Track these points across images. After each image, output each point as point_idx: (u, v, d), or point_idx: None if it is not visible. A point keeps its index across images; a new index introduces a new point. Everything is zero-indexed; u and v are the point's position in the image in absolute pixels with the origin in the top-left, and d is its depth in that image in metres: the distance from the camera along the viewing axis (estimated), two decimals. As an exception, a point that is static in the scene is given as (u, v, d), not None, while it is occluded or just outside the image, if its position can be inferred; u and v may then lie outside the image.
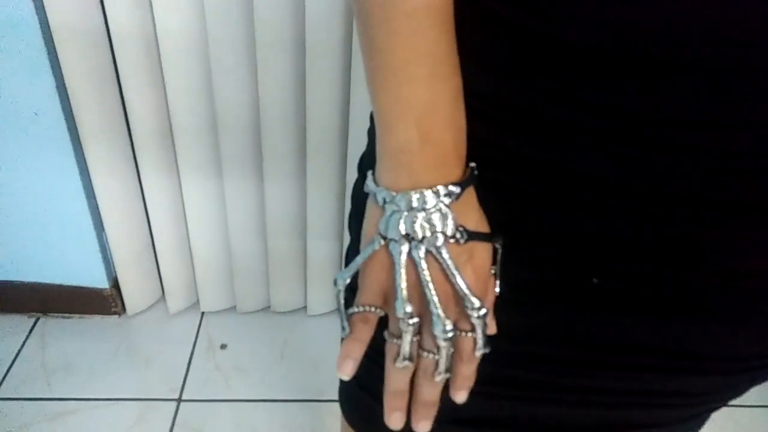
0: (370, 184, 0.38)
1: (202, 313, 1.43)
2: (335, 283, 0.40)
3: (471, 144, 0.37)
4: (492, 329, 0.39)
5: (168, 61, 1.05)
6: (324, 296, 1.40)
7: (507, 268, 0.39)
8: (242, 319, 1.43)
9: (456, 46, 0.35)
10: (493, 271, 0.39)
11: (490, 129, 0.38)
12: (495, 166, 0.39)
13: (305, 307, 1.43)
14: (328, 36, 1.01)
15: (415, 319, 0.36)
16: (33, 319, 1.40)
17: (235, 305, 1.43)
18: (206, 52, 1.04)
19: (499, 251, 0.38)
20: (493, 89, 0.37)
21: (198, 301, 1.42)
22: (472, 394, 0.40)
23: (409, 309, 0.36)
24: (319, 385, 1.30)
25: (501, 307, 0.40)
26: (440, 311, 0.36)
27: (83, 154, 1.17)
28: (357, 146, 1.12)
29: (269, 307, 1.43)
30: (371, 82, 0.36)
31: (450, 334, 0.36)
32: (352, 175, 1.17)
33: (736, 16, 0.30)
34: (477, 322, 0.36)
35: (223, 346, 1.37)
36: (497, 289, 0.39)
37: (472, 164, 0.37)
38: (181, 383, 1.28)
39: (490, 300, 0.39)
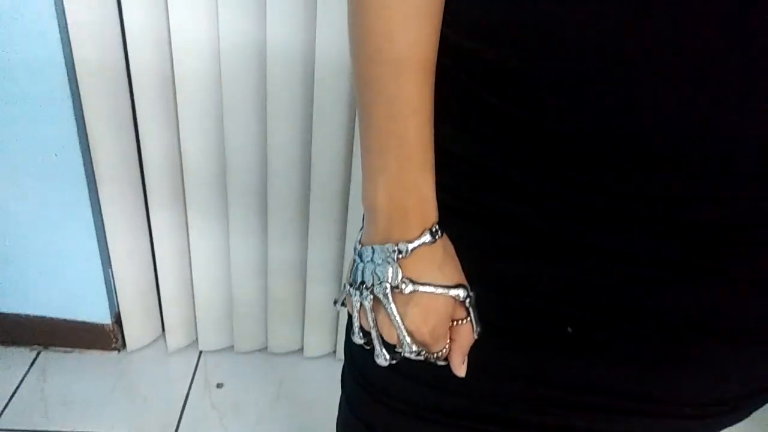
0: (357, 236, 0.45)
1: (200, 352, 1.46)
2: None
3: (443, 196, 0.43)
4: (459, 372, 0.45)
5: (183, 105, 1.12)
6: (321, 339, 1.43)
7: (485, 313, 0.44)
8: (239, 359, 1.45)
9: (432, 128, 0.42)
10: (469, 318, 0.44)
11: (462, 184, 0.44)
12: (470, 219, 0.44)
13: (302, 349, 1.46)
14: (335, 91, 1.08)
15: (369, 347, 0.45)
16: (35, 353, 1.43)
17: (233, 345, 1.46)
18: (220, 100, 1.11)
19: (471, 299, 0.43)
20: (464, 151, 0.44)
21: (197, 339, 1.45)
22: (454, 428, 0.44)
23: (359, 341, 0.46)
24: (313, 426, 1.32)
25: (482, 347, 0.45)
26: (404, 341, 0.43)
27: (97, 192, 1.23)
28: (358, 194, 1.17)
29: (266, 347, 1.46)
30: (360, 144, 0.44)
31: (413, 356, 0.43)
32: (353, 222, 1.22)
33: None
34: (415, 358, 0.43)
35: (220, 385, 1.39)
36: (475, 335, 0.45)
37: (435, 227, 0.43)
38: (177, 421, 1.30)
39: (443, 343, 0.45)
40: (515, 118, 0.41)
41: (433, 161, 0.43)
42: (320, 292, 1.34)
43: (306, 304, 1.36)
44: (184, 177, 1.21)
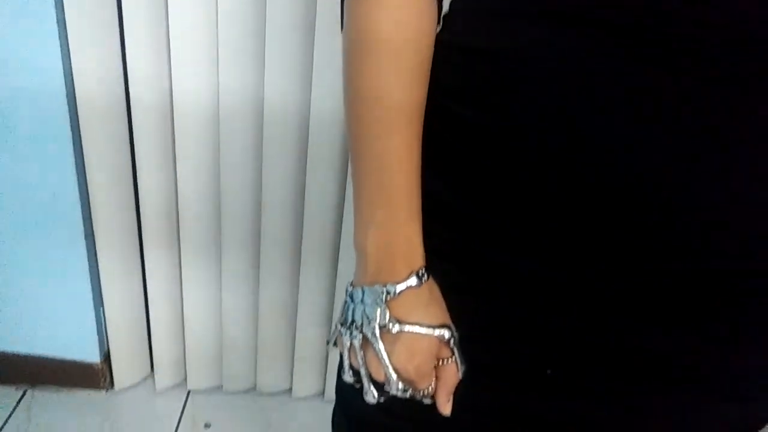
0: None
1: (189, 391, 1.47)
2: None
3: (430, 240, 0.47)
4: (444, 410, 0.48)
5: (181, 153, 1.16)
6: (310, 379, 1.44)
7: (470, 353, 0.48)
8: (228, 399, 1.46)
9: (418, 179, 0.46)
10: (453, 357, 0.47)
11: (447, 230, 0.48)
12: (455, 263, 0.48)
13: (290, 390, 1.47)
14: (328, 142, 1.13)
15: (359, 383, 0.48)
16: (21, 392, 1.42)
17: (222, 384, 1.47)
18: (217, 149, 1.16)
19: (455, 339, 0.47)
20: (449, 198, 0.48)
21: (185, 378, 1.46)
22: None
23: (349, 379, 0.49)
24: (299, 468, 1.32)
25: (467, 386, 0.48)
26: (391, 379, 0.46)
27: (93, 234, 1.25)
28: (349, 240, 1.21)
29: (255, 387, 1.47)
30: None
31: (400, 393, 0.46)
32: (344, 265, 1.26)
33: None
34: (402, 396, 0.46)
35: (207, 425, 1.39)
36: (460, 374, 0.48)
37: (421, 270, 0.46)
38: (164, 461, 1.30)
39: (428, 382, 0.48)
40: (490, 171, 0.45)
41: (420, 210, 0.47)
42: (310, 334, 1.37)
43: (295, 344, 1.38)
44: (180, 220, 1.24)
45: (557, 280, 0.46)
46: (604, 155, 0.40)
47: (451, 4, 0.51)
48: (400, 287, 0.45)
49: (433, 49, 0.47)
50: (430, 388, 0.48)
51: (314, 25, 1.03)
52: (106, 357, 1.41)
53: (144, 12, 1.05)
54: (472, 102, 0.46)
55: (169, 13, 1.03)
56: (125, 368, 1.43)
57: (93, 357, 1.40)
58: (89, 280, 1.30)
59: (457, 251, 0.48)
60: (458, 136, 0.47)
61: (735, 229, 0.41)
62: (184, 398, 1.45)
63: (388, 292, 0.45)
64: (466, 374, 0.49)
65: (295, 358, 1.41)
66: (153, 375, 1.46)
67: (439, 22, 0.50)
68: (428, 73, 0.47)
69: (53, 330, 1.37)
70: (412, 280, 0.46)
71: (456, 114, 0.47)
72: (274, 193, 1.19)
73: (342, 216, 1.22)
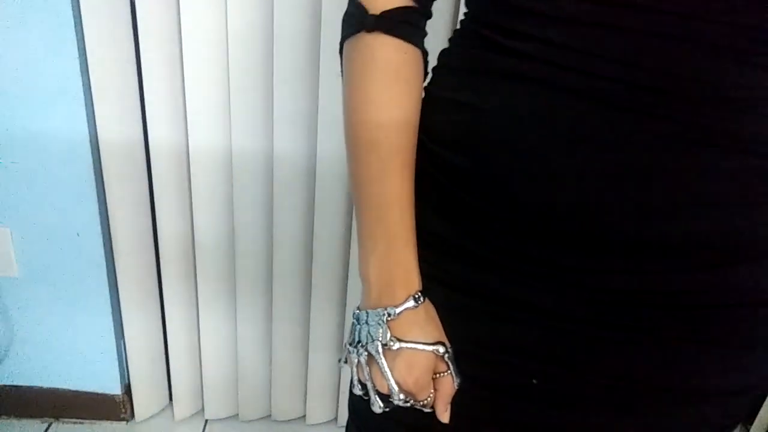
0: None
1: (206, 420, 1.51)
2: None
3: (425, 266, 0.53)
4: (443, 418, 0.53)
5: (197, 193, 1.24)
6: (323, 407, 1.49)
7: (464, 366, 0.53)
8: (244, 427, 1.50)
9: (412, 213, 0.53)
10: (449, 371, 0.53)
11: (440, 256, 0.55)
12: (447, 285, 0.54)
13: (304, 417, 1.51)
14: (334, 186, 1.21)
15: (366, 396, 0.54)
16: (46, 424, 1.48)
17: (238, 413, 1.51)
18: (231, 192, 1.23)
19: (449, 354, 0.52)
20: (440, 229, 0.55)
21: (203, 408, 1.51)
22: None
23: (358, 392, 0.54)
24: (314, 493, 1.35)
25: (463, 397, 0.53)
26: (393, 390, 0.52)
27: (114, 269, 1.32)
28: (356, 274, 1.27)
29: (270, 415, 1.52)
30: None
31: (402, 403, 0.52)
32: (352, 297, 1.32)
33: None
34: (404, 405, 0.52)
35: (225, 454, 1.43)
36: (456, 385, 0.53)
37: (417, 294, 0.52)
38: (183, 489, 1.34)
39: (427, 393, 0.53)
40: (473, 206, 0.52)
41: (415, 239, 0.53)
42: (322, 362, 1.42)
43: (308, 373, 1.43)
44: (196, 256, 1.31)
45: (533, 299, 0.51)
46: (557, 192, 0.47)
47: (438, 59, 0.58)
48: (399, 309, 0.51)
49: (421, 100, 0.54)
50: (429, 398, 0.54)
51: (318, 82, 1.11)
52: (127, 389, 1.47)
53: (162, 69, 1.14)
54: (452, 146, 0.52)
55: (184, 69, 1.12)
56: (145, 399, 1.48)
57: (114, 389, 1.46)
58: (111, 313, 1.37)
59: (447, 275, 0.54)
60: (443, 174, 0.53)
61: (657, 250, 0.47)
62: (202, 427, 1.50)
63: (389, 314, 0.51)
64: (461, 385, 0.54)
65: (308, 386, 1.45)
66: (172, 405, 1.51)
67: (427, 74, 0.57)
68: (417, 122, 0.54)
69: (76, 363, 1.43)
70: (410, 303, 0.52)
71: (440, 156, 0.53)
72: (284, 233, 1.26)
73: (348, 253, 1.29)
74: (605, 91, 0.44)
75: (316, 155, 1.18)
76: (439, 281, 0.54)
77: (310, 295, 1.34)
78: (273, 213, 1.24)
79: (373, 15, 0.52)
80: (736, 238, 0.47)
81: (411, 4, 0.53)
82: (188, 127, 1.17)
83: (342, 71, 0.55)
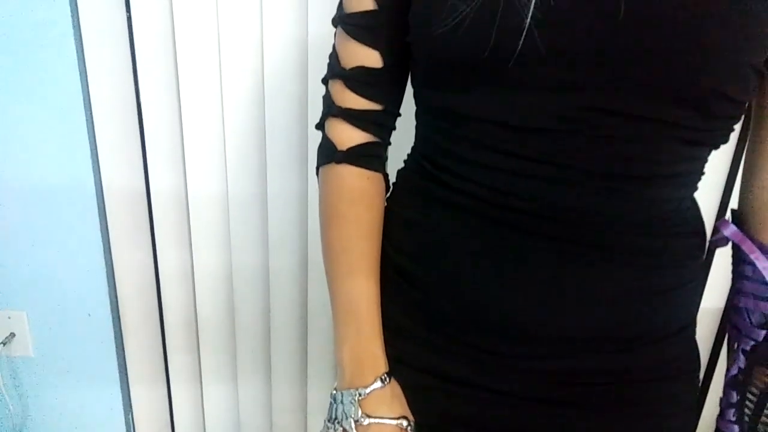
0: None
1: (210, 489, 1.57)
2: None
3: (390, 350, 0.63)
4: None
5: (199, 265, 1.35)
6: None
7: None
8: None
9: (378, 307, 0.64)
10: None
11: (401, 342, 0.64)
12: (408, 366, 0.64)
13: (305, 481, 1.57)
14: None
15: None
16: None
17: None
18: (229, 263, 1.34)
19: (411, 427, 0.62)
20: (402, 320, 0.65)
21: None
22: None
23: None
24: None
25: None
26: None
27: (123, 346, 1.42)
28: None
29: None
30: None
31: None
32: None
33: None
34: None
35: None
36: None
37: (384, 375, 0.62)
38: None
39: None
40: (424, 302, 0.62)
41: (381, 328, 0.63)
42: (319, 425, 1.49)
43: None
44: (199, 332, 1.41)
45: (472, 379, 0.61)
46: (481, 297, 0.58)
47: (396, 177, 0.71)
48: (368, 390, 0.61)
49: (383, 213, 0.66)
50: None
51: (307, 139, 1.24)
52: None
53: (163, 123, 1.24)
54: (405, 254, 0.64)
55: (183, 122, 1.22)
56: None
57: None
58: (119, 388, 1.45)
59: (409, 357, 0.64)
60: (401, 276, 0.64)
61: (563, 339, 0.57)
62: (206, 496, 1.55)
63: (359, 394, 0.61)
64: None
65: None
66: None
67: (388, 189, 0.70)
68: (380, 231, 0.65)
69: (86, 437, 1.51)
70: (377, 384, 0.61)
71: (397, 260, 0.65)
72: (280, 307, 1.36)
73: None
74: (517, 220, 0.56)
75: (307, 236, 1.30)
76: (403, 363, 0.64)
77: (306, 363, 1.43)
78: (269, 284, 1.34)
79: (341, 151, 0.64)
80: (632, 329, 0.58)
81: (372, 139, 0.65)
82: (190, 213, 1.29)
83: (319, 191, 0.67)
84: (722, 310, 1.30)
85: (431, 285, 0.62)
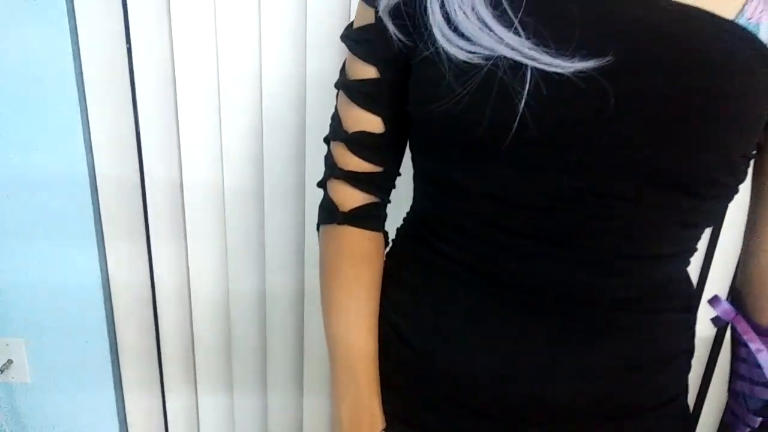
0: None
1: None
2: None
3: (386, 407, 0.65)
4: None
5: (195, 280, 1.36)
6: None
7: None
8: None
9: (376, 368, 0.66)
10: None
11: (396, 400, 0.66)
12: (403, 422, 0.66)
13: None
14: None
15: None
16: None
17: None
18: (226, 270, 1.36)
19: None
20: (395, 380, 0.67)
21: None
22: None
23: None
24: None
25: None
26: None
27: (120, 374, 1.43)
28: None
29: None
30: None
31: None
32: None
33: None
34: None
35: None
36: None
37: (381, 429, 0.64)
38: None
39: None
40: (415, 360, 0.64)
41: (378, 387, 0.65)
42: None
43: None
44: (195, 357, 1.42)
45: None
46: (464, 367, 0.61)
47: (395, 233, 0.73)
48: None
49: (382, 269, 0.68)
50: None
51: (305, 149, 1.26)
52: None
53: (159, 119, 1.23)
54: (402, 315, 0.66)
55: (179, 122, 1.21)
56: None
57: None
58: (116, 413, 1.46)
59: (404, 413, 0.66)
60: (396, 333, 0.66)
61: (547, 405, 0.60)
62: None
63: None
64: None
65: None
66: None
67: (387, 244, 0.72)
68: (379, 287, 0.67)
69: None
70: None
71: (393, 320, 0.67)
72: (277, 333, 1.38)
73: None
74: (509, 294, 0.58)
75: (304, 232, 1.31)
76: (399, 419, 0.66)
77: (302, 385, 1.44)
78: (266, 306, 1.36)
79: (342, 212, 0.66)
80: (624, 401, 0.60)
81: (373, 200, 0.67)
82: (188, 250, 1.30)
83: (320, 249, 0.70)
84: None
85: (426, 347, 0.64)
